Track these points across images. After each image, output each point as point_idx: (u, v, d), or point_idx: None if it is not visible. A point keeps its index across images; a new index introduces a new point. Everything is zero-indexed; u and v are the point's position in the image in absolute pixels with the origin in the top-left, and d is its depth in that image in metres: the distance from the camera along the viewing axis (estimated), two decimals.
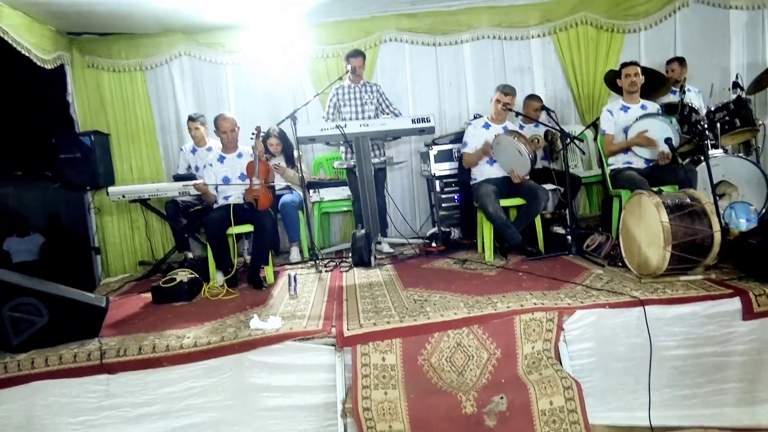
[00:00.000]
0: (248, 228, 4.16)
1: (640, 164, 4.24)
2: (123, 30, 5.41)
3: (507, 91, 4.44)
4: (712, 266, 3.23)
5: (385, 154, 5.14)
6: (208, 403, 2.81)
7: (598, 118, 4.55)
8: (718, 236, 3.02)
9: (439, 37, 5.79)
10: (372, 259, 4.40)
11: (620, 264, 3.57)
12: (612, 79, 4.76)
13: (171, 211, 4.92)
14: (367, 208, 4.54)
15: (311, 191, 5.15)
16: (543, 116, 5.10)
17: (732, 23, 5.78)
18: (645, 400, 2.80)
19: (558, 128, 4.39)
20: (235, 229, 4.11)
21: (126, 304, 3.91)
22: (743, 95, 4.65)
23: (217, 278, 4.07)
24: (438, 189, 5.08)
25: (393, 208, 5.49)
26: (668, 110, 4.49)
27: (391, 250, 4.95)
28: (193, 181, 4.51)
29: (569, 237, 4.15)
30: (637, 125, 4.14)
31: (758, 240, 3.11)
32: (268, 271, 4.19)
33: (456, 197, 5.06)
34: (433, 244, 4.79)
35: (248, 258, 4.46)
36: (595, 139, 5.32)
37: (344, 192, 5.18)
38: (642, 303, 2.81)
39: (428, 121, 4.59)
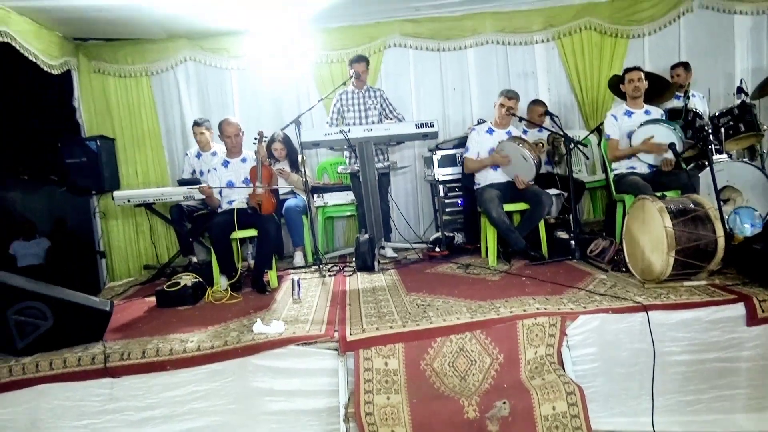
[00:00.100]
0: (252, 232, 4.17)
1: (643, 169, 4.24)
2: (129, 36, 5.45)
3: (511, 95, 4.45)
4: (716, 271, 3.21)
5: (388, 159, 5.15)
6: (211, 407, 2.82)
7: (601, 123, 4.55)
8: (721, 241, 3.01)
9: (442, 43, 5.81)
10: (375, 263, 4.40)
11: (624, 269, 3.56)
12: (615, 85, 4.76)
13: (175, 216, 4.95)
14: (370, 213, 4.55)
15: (315, 196, 5.17)
16: (547, 121, 5.10)
17: (736, 28, 5.78)
18: (648, 406, 2.79)
19: (562, 133, 4.39)
20: (238, 234, 4.13)
21: (130, 308, 3.93)
22: (748, 100, 4.64)
23: (221, 282, 4.08)
24: (442, 194, 5.09)
25: (397, 213, 5.50)
26: (672, 115, 4.49)
27: (395, 255, 4.96)
28: (198, 185, 4.53)
29: (573, 242, 4.15)
30: (641, 131, 4.13)
31: (762, 245, 3.10)
32: (271, 276, 4.20)
33: (460, 202, 5.07)
34: (437, 249, 4.80)
35: (252, 262, 4.47)
36: (599, 143, 5.33)
37: (348, 196, 5.20)
38: (645, 308, 2.81)
39: (432, 126, 4.60)
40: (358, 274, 4.32)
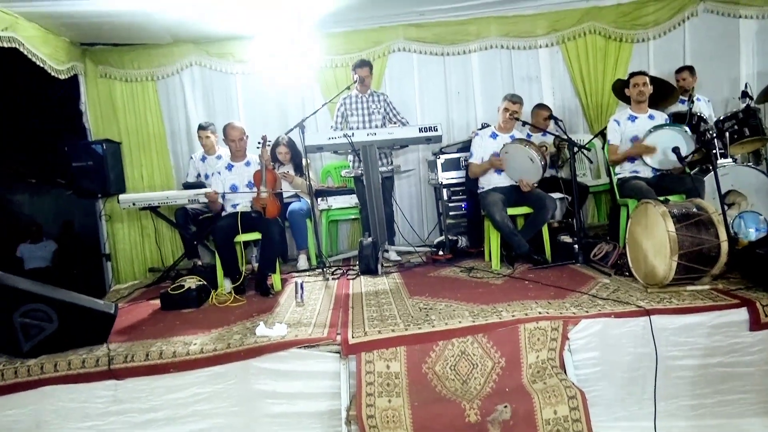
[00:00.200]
0: (256, 236, 4.19)
1: (647, 173, 4.23)
2: (135, 41, 5.50)
3: (514, 99, 4.46)
4: (720, 276, 3.20)
5: (392, 163, 5.16)
6: (213, 410, 2.83)
7: (605, 128, 4.55)
8: (725, 246, 3.00)
9: (447, 47, 5.82)
10: (379, 267, 4.41)
11: (627, 273, 3.55)
12: (620, 89, 4.76)
13: (180, 219, 4.98)
14: (374, 216, 4.56)
15: (319, 199, 5.19)
16: (551, 125, 5.10)
17: (742, 32, 5.76)
18: (650, 411, 2.77)
19: (566, 137, 4.39)
20: (242, 237, 4.15)
21: (135, 311, 3.95)
22: (752, 104, 4.62)
23: (225, 285, 4.11)
24: (445, 197, 5.09)
25: (400, 216, 5.51)
26: (676, 120, 4.49)
27: (398, 258, 4.97)
28: (204, 190, 4.56)
29: (576, 246, 4.15)
30: (651, 137, 4.11)
31: (766, 250, 3.08)
32: (275, 279, 4.22)
33: (463, 205, 5.08)
34: (440, 252, 4.81)
35: (256, 265, 4.49)
36: (603, 147, 5.32)
37: (352, 200, 5.22)
38: (648, 313, 2.80)
39: (435, 130, 4.61)
40: (362, 277, 4.33)
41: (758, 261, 3.08)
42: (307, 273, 4.73)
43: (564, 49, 5.85)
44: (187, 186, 5.06)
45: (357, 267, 4.53)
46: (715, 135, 4.42)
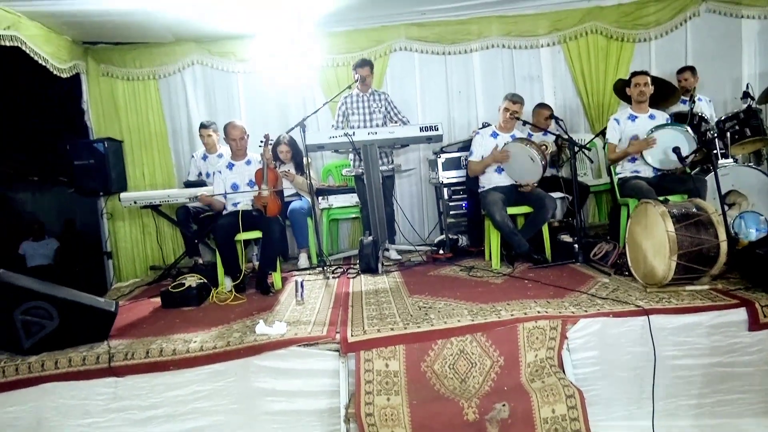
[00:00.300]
0: (256, 234, 4.20)
1: (648, 173, 4.23)
2: (137, 39, 5.51)
3: (515, 99, 4.45)
4: (720, 276, 3.21)
5: (393, 162, 5.17)
6: (213, 407, 2.85)
7: (606, 127, 4.55)
8: (724, 246, 3.00)
9: (448, 46, 5.82)
10: (379, 265, 4.42)
11: (627, 273, 3.55)
12: (621, 89, 4.76)
13: (182, 217, 4.98)
14: (374, 215, 4.57)
15: (320, 198, 5.20)
16: (552, 125, 5.10)
17: (744, 32, 5.75)
18: (649, 410, 2.78)
19: (566, 137, 4.39)
20: (243, 236, 4.16)
21: (135, 309, 3.97)
22: (754, 105, 4.62)
23: (226, 284, 4.12)
24: (446, 196, 5.10)
25: (401, 216, 5.52)
26: (678, 120, 4.48)
27: (399, 257, 4.98)
28: (203, 190, 4.58)
29: (576, 245, 4.15)
30: (653, 137, 4.11)
31: (766, 250, 3.08)
32: (275, 277, 4.23)
33: (464, 205, 5.08)
34: (441, 252, 4.82)
35: (257, 264, 4.51)
36: (604, 147, 5.32)
37: (353, 199, 5.23)
38: (646, 312, 2.80)
39: (436, 129, 4.62)
40: (362, 276, 4.34)
41: (758, 261, 3.08)
42: (308, 271, 4.74)
43: (565, 49, 5.84)
44: (189, 184, 5.08)
45: (357, 266, 4.54)
46: (716, 135, 4.42)
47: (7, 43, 4.16)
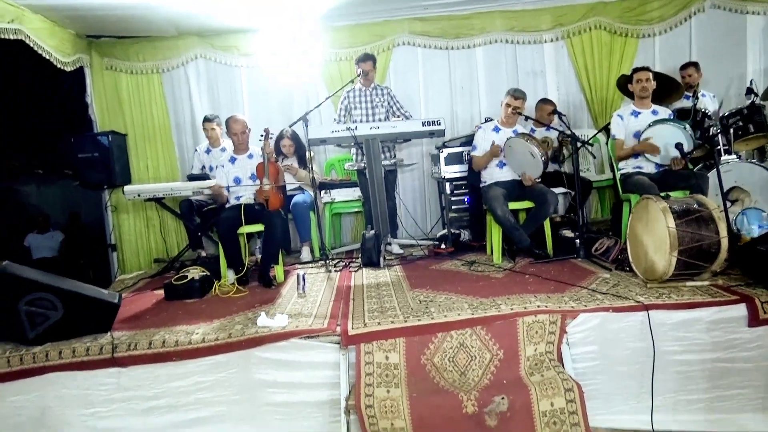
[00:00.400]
0: (259, 227, 4.22)
1: (650, 169, 4.23)
2: (140, 33, 5.52)
3: (517, 95, 4.45)
4: (721, 272, 3.21)
5: (395, 156, 5.18)
6: (215, 398, 2.88)
7: (609, 123, 4.54)
8: (725, 242, 3.00)
9: (451, 41, 5.81)
10: (381, 259, 4.44)
11: (628, 268, 3.56)
12: (624, 84, 4.75)
13: (185, 210, 5.01)
14: (377, 209, 4.58)
15: (323, 192, 5.21)
16: (555, 120, 5.10)
17: (749, 29, 5.72)
18: (648, 404, 2.80)
19: (569, 132, 4.39)
20: (245, 229, 4.19)
21: (139, 301, 4.00)
22: (758, 101, 4.60)
23: (228, 276, 4.14)
24: (448, 191, 5.10)
25: (403, 210, 5.53)
26: (681, 116, 4.47)
27: (401, 251, 4.99)
28: (208, 182, 4.60)
29: (578, 240, 4.15)
30: (649, 131, 4.12)
31: (767, 247, 3.09)
32: (278, 270, 4.25)
33: (466, 199, 5.09)
34: (443, 246, 4.82)
35: (259, 257, 4.53)
36: (607, 143, 5.31)
37: (355, 193, 5.24)
38: (646, 308, 2.81)
39: (439, 123, 4.63)
40: (364, 269, 4.36)
41: (759, 258, 3.08)
42: (310, 265, 4.76)
43: (569, 44, 5.83)
44: (192, 178, 5.10)
45: (359, 259, 4.56)
46: (719, 131, 4.41)
47: (11, 37, 4.17)
